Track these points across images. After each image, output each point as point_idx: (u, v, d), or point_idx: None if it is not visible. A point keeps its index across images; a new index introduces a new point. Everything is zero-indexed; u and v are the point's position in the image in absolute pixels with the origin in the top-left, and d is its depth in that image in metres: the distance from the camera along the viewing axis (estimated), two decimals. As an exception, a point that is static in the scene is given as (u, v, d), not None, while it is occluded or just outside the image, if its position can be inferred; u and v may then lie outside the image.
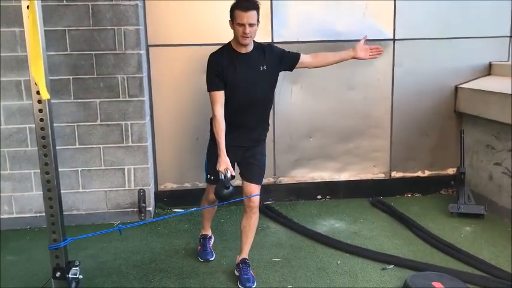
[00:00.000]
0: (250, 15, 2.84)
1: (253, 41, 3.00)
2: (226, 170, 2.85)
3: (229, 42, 3.02)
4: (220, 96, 2.94)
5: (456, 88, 4.59)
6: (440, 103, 4.62)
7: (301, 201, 4.63)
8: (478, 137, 4.43)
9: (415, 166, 4.74)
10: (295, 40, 4.35)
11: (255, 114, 3.08)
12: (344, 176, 4.69)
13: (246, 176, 3.13)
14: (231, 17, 2.92)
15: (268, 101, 3.16)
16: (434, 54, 4.53)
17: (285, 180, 4.63)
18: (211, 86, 2.95)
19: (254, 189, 3.10)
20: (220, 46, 3.07)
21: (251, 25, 2.85)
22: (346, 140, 4.61)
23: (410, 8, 4.42)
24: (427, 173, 4.76)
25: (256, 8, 2.88)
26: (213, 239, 3.65)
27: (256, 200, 3.09)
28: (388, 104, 4.58)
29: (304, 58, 3.14)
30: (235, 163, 3.13)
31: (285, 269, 3.33)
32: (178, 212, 4.39)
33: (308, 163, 4.62)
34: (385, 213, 4.31)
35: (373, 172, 4.71)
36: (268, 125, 3.23)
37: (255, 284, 3.11)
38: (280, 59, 3.07)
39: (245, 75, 2.96)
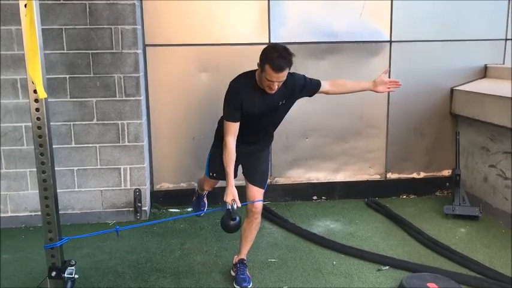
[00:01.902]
0: (282, 75, 2.74)
1: None
2: (233, 201, 2.84)
3: (255, 73, 2.92)
4: (235, 127, 2.90)
5: (452, 90, 4.61)
6: (436, 105, 4.64)
7: (297, 202, 4.63)
8: (473, 139, 4.45)
9: (410, 167, 4.76)
10: (293, 41, 4.34)
11: (266, 134, 3.18)
12: (340, 177, 4.70)
13: (249, 177, 3.12)
14: (261, 64, 2.78)
15: (276, 126, 3.19)
16: (431, 56, 4.54)
17: (281, 180, 4.64)
18: (229, 117, 2.90)
19: (257, 194, 3.09)
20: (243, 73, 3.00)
21: (280, 81, 2.78)
22: (342, 141, 4.62)
23: (407, 9, 4.43)
24: (422, 174, 4.78)
25: (290, 64, 2.76)
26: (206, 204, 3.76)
27: (259, 205, 3.08)
28: (385, 105, 4.59)
29: (324, 86, 3.14)
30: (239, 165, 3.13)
31: (280, 270, 3.33)
32: (175, 212, 4.40)
33: (304, 163, 4.63)
34: (380, 214, 4.33)
35: (369, 173, 4.73)
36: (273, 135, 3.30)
37: (251, 284, 3.11)
38: (301, 89, 3.04)
39: (263, 109, 2.94)
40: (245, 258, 3.22)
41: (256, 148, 3.16)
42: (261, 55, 2.80)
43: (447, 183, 4.75)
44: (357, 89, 3.30)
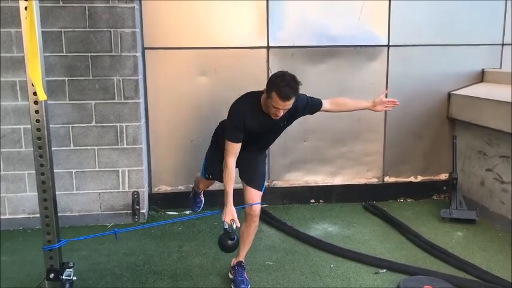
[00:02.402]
0: (288, 103, 2.75)
1: None
2: (232, 221, 2.84)
3: (259, 95, 2.91)
4: (237, 147, 2.90)
5: (449, 94, 4.63)
6: (434, 109, 4.67)
7: (294, 205, 4.65)
8: (470, 143, 4.47)
9: (407, 171, 4.78)
10: (291, 45, 4.38)
11: (265, 143, 3.22)
12: (338, 180, 4.72)
13: (247, 180, 3.13)
14: (267, 91, 2.78)
15: (279, 136, 3.23)
16: (428, 60, 4.57)
17: (279, 183, 4.65)
18: (232, 138, 2.89)
19: (255, 196, 3.10)
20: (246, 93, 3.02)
21: (286, 109, 2.80)
22: (340, 144, 4.64)
23: (405, 14, 4.46)
24: (419, 178, 4.80)
25: (296, 93, 2.77)
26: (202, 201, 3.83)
27: (257, 208, 3.09)
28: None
29: (325, 105, 3.18)
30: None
31: (278, 272, 3.34)
32: (173, 214, 4.41)
33: (302, 167, 4.64)
34: (378, 217, 4.34)
35: (367, 176, 4.75)
36: None
37: (249, 286, 3.12)
38: (303, 110, 3.07)
39: (265, 130, 3.00)
40: (243, 260, 3.23)
41: (254, 153, 3.19)
42: (268, 82, 2.81)
43: (444, 187, 4.77)
44: (356, 108, 3.40)
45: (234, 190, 2.93)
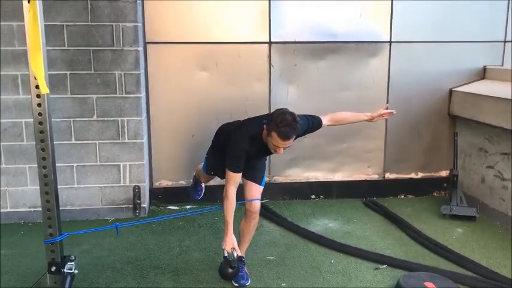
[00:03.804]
0: (288, 142, 2.80)
1: None
2: (233, 250, 2.86)
3: (261, 125, 2.89)
4: (238, 178, 2.93)
5: (450, 91, 4.63)
6: (435, 106, 4.66)
7: (295, 201, 4.65)
8: (471, 140, 4.47)
9: (408, 168, 4.78)
10: (293, 40, 4.37)
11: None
12: (338, 176, 4.72)
13: (247, 175, 3.13)
14: (268, 129, 2.81)
15: None
16: (430, 57, 4.57)
17: (279, 179, 4.66)
18: (233, 168, 2.90)
19: (255, 192, 3.12)
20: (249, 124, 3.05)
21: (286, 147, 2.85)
22: (340, 140, 4.63)
23: (407, 10, 4.45)
24: (420, 174, 4.80)
25: (296, 133, 2.80)
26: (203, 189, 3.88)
27: (256, 205, 3.10)
28: (383, 105, 4.60)
29: (324, 124, 3.23)
30: None
31: (279, 268, 3.35)
32: (174, 209, 4.41)
33: (302, 163, 4.65)
34: (378, 214, 4.35)
35: (367, 173, 4.75)
36: None
37: (249, 281, 3.13)
38: (303, 133, 3.09)
39: (265, 154, 3.11)
40: (244, 256, 3.22)
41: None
42: (269, 120, 2.83)
43: (445, 184, 4.78)
44: (355, 121, 3.48)
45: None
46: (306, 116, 3.10)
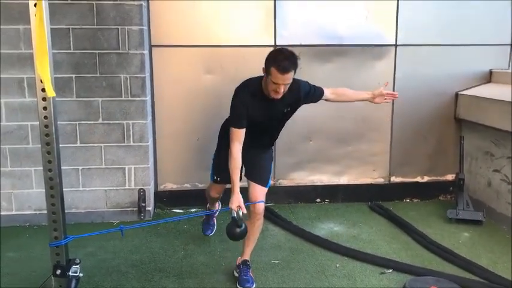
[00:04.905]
0: (287, 77, 2.78)
1: None
2: (239, 208, 2.86)
3: (260, 80, 2.96)
4: (241, 134, 2.95)
5: (457, 94, 4.61)
6: (441, 109, 4.65)
7: (300, 204, 4.64)
8: (478, 143, 4.45)
9: (414, 171, 4.76)
10: (298, 43, 4.36)
11: (270, 138, 3.28)
12: (343, 180, 4.71)
13: (251, 176, 3.15)
14: (266, 68, 2.84)
15: (280, 130, 3.28)
16: (436, 60, 4.55)
17: (284, 182, 4.65)
18: (235, 124, 2.96)
19: (259, 193, 3.12)
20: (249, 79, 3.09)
21: (286, 84, 2.82)
22: (345, 143, 4.63)
23: (413, 13, 4.44)
24: (425, 178, 4.78)
25: (295, 67, 2.81)
26: (219, 209, 3.81)
27: (261, 206, 3.11)
28: (389, 108, 4.60)
29: (326, 94, 3.26)
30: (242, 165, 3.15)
31: (284, 271, 3.34)
32: (178, 212, 4.42)
33: (308, 166, 4.64)
34: (383, 217, 4.33)
35: (373, 176, 4.73)
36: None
37: (254, 285, 3.12)
38: (305, 96, 3.12)
39: (268, 116, 3.04)
40: (248, 259, 3.23)
41: (259, 149, 3.22)
42: (266, 59, 2.85)
43: (451, 188, 4.75)
44: (356, 99, 3.44)
45: (240, 189, 2.94)
46: (308, 83, 3.14)
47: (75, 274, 2.74)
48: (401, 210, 4.43)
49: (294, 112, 3.18)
